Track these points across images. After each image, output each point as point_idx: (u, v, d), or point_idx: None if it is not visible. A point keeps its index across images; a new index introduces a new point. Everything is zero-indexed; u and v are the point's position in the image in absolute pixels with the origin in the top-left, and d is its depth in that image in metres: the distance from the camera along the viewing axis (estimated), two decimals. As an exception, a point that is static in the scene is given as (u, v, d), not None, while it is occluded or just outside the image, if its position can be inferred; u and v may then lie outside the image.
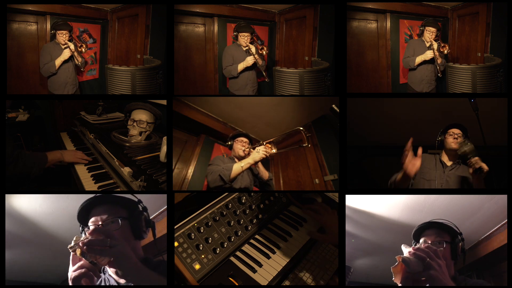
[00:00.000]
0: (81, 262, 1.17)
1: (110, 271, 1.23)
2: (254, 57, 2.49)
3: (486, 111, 2.03)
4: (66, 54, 2.44)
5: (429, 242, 1.55)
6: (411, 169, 1.79)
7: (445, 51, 2.48)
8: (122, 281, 1.22)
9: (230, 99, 3.07)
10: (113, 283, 1.27)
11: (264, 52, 2.52)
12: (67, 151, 2.43)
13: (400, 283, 1.30)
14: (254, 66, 2.54)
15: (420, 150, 1.82)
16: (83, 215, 1.37)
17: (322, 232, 1.73)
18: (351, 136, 2.14)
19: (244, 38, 2.52)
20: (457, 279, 1.51)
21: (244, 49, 2.52)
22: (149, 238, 1.49)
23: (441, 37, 2.59)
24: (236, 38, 2.55)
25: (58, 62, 2.43)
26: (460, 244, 1.56)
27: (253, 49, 2.50)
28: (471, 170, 1.89)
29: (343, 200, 1.94)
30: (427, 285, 1.27)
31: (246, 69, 2.53)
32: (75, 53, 2.45)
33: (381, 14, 2.53)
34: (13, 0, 2.34)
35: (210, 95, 2.55)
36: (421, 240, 1.57)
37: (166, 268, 1.36)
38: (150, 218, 1.86)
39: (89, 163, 2.41)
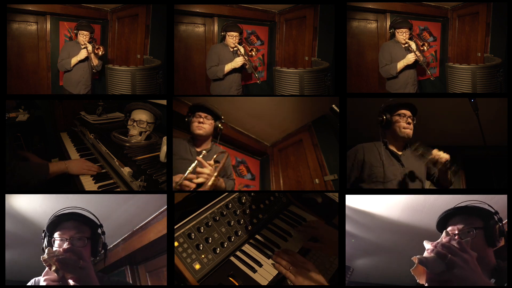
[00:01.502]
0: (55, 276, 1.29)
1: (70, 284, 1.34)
2: (244, 58, 2.42)
3: (486, 111, 2.03)
4: (82, 54, 2.48)
5: (456, 232, 1.33)
6: None
7: (425, 48, 2.42)
8: None
9: (230, 99, 3.07)
10: None
11: (253, 54, 2.46)
12: (73, 162, 2.29)
13: (426, 284, 1.13)
14: (241, 68, 2.47)
15: None
16: (53, 226, 1.50)
17: (316, 241, 1.66)
18: (351, 136, 2.14)
19: (232, 38, 2.46)
20: (502, 269, 1.30)
21: (232, 49, 2.45)
22: (101, 265, 1.78)
23: (441, 37, 2.59)
24: (223, 37, 2.49)
25: (74, 60, 2.48)
26: (497, 226, 1.32)
27: (241, 49, 2.43)
28: (439, 166, 1.71)
29: (343, 200, 1.94)
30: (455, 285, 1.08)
31: (233, 70, 2.45)
32: (92, 55, 2.47)
33: (381, 14, 2.53)
34: (13, 0, 2.34)
35: (210, 95, 2.54)
36: (444, 232, 1.26)
37: (107, 282, 1.52)
38: (150, 219, 1.89)
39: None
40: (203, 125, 2.06)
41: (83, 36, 2.48)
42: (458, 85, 2.43)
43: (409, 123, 1.87)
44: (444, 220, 1.46)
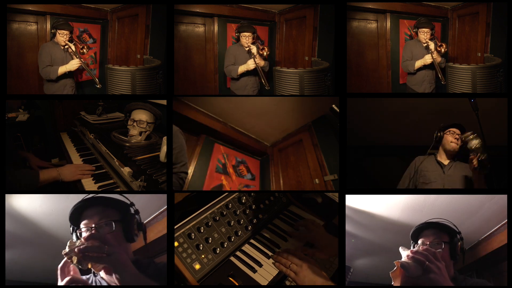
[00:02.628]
0: (70, 277, 1.15)
1: (104, 276, 1.23)
2: (255, 61, 2.46)
3: (486, 111, 2.03)
4: (74, 65, 2.36)
5: (428, 243, 1.54)
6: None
7: (443, 50, 2.47)
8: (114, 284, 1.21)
9: (230, 99, 3.07)
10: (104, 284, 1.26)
11: (265, 53, 2.49)
12: (66, 168, 2.15)
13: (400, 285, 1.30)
14: (255, 70, 2.51)
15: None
16: (75, 217, 1.35)
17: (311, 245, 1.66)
18: (351, 136, 2.14)
19: (245, 39, 2.51)
20: (457, 279, 1.50)
21: (246, 49, 2.50)
22: (140, 243, 1.47)
23: (441, 37, 2.59)
24: (238, 38, 2.54)
25: (61, 70, 2.36)
26: (459, 243, 1.55)
27: (254, 49, 2.47)
28: (474, 163, 1.88)
29: (343, 200, 1.94)
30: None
31: (247, 73, 2.51)
32: (77, 55, 2.38)
33: (381, 14, 2.53)
34: (13, 0, 2.34)
35: (210, 95, 2.55)
36: (420, 242, 1.56)
37: (156, 268, 1.35)
38: (150, 218, 1.87)
39: (89, 163, 2.39)
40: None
41: (62, 36, 2.37)
42: (458, 85, 2.43)
43: (456, 139, 2.18)
44: (418, 231, 1.63)
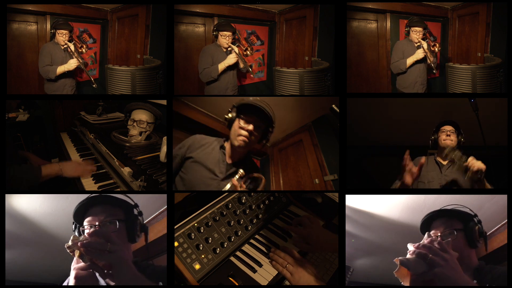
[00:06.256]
0: (84, 264, 1.15)
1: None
2: (236, 54, 2.34)
3: (486, 111, 2.03)
4: (72, 65, 2.37)
5: (438, 234, 1.38)
6: (409, 180, 1.79)
7: (436, 49, 2.46)
8: (112, 283, 1.20)
9: (230, 99, 3.06)
10: (102, 283, 1.25)
11: (248, 53, 2.42)
12: (68, 164, 2.15)
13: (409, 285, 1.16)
14: (235, 65, 2.42)
15: (423, 159, 1.81)
16: (80, 214, 1.36)
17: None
18: (351, 136, 2.14)
19: (225, 38, 2.39)
20: (482, 269, 1.34)
21: (225, 50, 2.40)
22: (141, 242, 1.49)
23: (441, 37, 2.59)
24: (216, 37, 2.43)
25: (60, 70, 2.37)
26: (477, 227, 1.37)
27: (236, 50, 2.38)
28: (469, 174, 1.86)
29: (343, 200, 1.94)
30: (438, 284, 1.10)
31: (227, 68, 2.39)
32: (75, 54, 2.40)
33: (381, 14, 2.53)
34: (13, 0, 2.34)
35: (210, 95, 2.54)
36: (426, 234, 1.34)
37: (154, 270, 1.36)
38: (150, 218, 1.88)
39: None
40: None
41: (62, 36, 2.37)
42: (458, 85, 2.43)
43: (448, 135, 2.16)
44: (427, 222, 1.50)
